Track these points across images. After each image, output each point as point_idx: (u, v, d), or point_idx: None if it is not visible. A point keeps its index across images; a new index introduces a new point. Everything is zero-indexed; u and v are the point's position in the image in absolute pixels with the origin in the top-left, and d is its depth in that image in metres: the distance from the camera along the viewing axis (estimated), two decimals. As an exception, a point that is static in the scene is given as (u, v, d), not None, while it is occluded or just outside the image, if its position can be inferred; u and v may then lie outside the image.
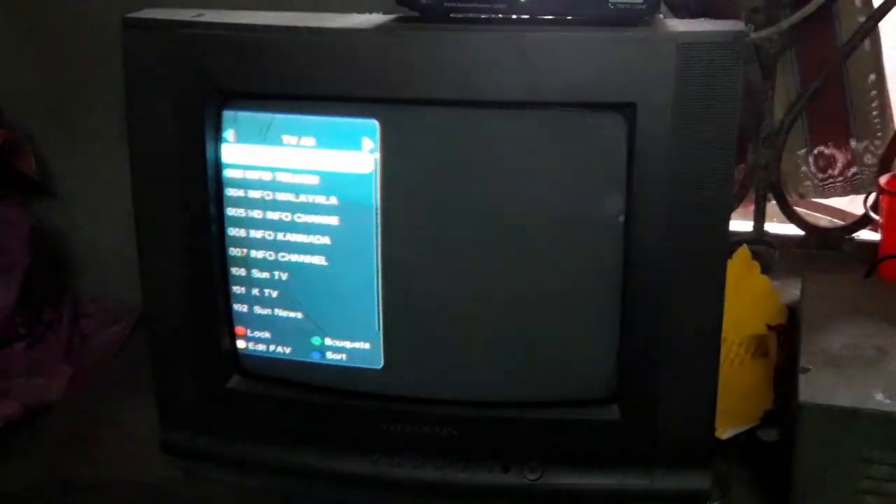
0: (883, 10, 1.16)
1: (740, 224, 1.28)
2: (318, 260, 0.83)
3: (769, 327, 1.04)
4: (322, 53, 0.78)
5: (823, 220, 1.37)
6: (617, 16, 0.76)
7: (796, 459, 0.82)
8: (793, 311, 1.04)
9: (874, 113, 1.23)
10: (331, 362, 0.87)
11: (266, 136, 0.81)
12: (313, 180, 0.81)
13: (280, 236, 0.84)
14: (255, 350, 0.88)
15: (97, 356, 1.23)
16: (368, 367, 0.86)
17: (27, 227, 1.27)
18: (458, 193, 0.82)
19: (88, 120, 1.31)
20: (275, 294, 0.86)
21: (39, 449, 1.02)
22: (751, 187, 1.26)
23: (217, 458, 0.92)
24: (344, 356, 0.86)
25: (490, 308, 0.84)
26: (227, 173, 0.83)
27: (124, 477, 0.96)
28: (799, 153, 1.27)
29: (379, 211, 0.81)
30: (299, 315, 0.86)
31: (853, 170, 1.27)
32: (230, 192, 0.83)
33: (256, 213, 0.83)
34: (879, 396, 0.80)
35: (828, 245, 1.28)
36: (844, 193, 1.30)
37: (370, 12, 0.82)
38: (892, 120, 1.24)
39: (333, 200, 0.82)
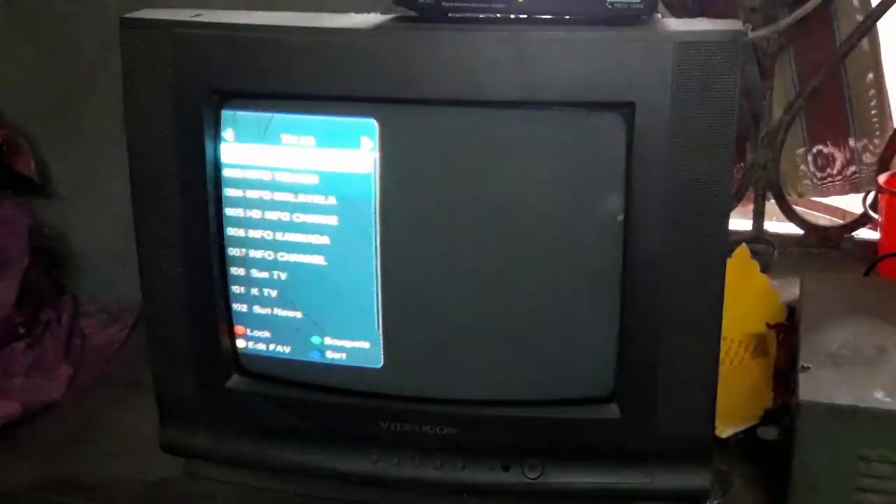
0: (881, 9, 1.16)
1: (739, 223, 1.28)
2: (318, 259, 0.83)
3: (769, 326, 1.04)
4: (321, 53, 0.78)
5: (822, 219, 1.37)
6: (615, 15, 0.76)
7: (796, 458, 0.82)
8: (792, 310, 1.04)
9: (873, 112, 1.24)
10: (330, 362, 0.87)
11: (265, 136, 0.81)
12: (312, 180, 0.81)
13: (279, 236, 0.84)
14: (254, 349, 0.88)
15: (97, 356, 1.22)
16: (368, 366, 0.86)
17: (26, 227, 1.26)
18: (456, 193, 0.82)
19: (88, 120, 1.31)
20: (274, 294, 0.86)
21: (39, 449, 1.02)
22: (750, 186, 1.26)
23: (217, 458, 0.92)
24: (343, 355, 0.86)
25: (489, 307, 0.84)
26: (226, 173, 0.83)
27: (124, 476, 0.96)
28: (798, 152, 1.27)
29: (378, 210, 0.81)
30: (299, 314, 0.86)
31: (852, 168, 1.27)
32: (229, 191, 0.83)
33: (255, 213, 0.83)
34: (879, 395, 0.80)
35: (827, 244, 1.28)
36: (843, 192, 1.30)
37: (369, 12, 0.83)
38: (890, 119, 1.24)
39: (332, 200, 0.82)
